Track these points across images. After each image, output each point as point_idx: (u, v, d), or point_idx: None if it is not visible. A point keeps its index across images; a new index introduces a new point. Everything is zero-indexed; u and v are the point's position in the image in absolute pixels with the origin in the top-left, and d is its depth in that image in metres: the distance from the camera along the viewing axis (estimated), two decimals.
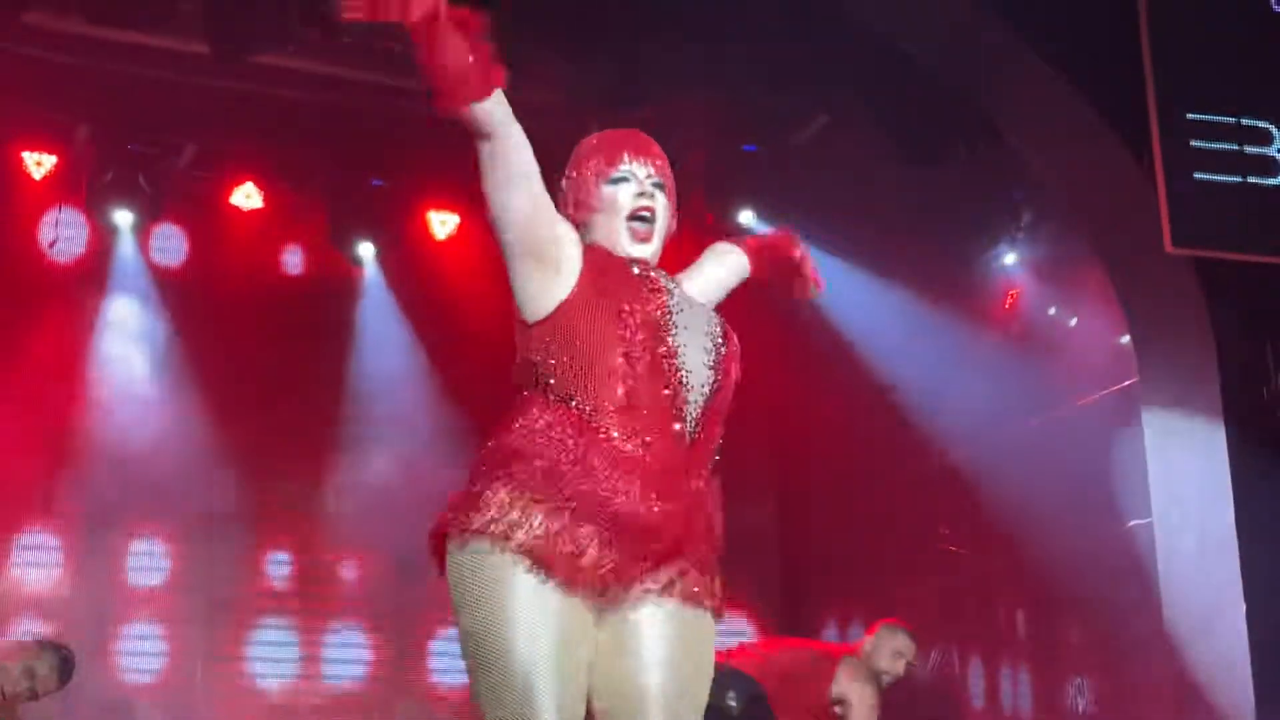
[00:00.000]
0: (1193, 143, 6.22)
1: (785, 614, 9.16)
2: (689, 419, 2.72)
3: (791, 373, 8.77)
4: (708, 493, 2.77)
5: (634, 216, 2.87)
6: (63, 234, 8.34)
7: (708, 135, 8.35)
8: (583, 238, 2.88)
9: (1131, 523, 7.03)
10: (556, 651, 2.54)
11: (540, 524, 2.57)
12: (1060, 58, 6.59)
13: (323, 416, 8.52)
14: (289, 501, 8.55)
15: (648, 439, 2.66)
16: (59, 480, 8.08)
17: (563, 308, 2.73)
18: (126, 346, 8.39)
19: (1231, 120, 6.28)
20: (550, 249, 2.76)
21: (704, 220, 8.57)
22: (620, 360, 2.68)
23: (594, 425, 2.64)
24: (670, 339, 2.73)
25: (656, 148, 2.99)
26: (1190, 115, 6.24)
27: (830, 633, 9.42)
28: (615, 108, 7.58)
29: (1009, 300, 8.46)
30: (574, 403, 2.67)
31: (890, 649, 6.20)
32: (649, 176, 2.91)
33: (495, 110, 2.72)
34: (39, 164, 8.00)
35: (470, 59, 2.62)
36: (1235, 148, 6.26)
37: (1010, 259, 8.29)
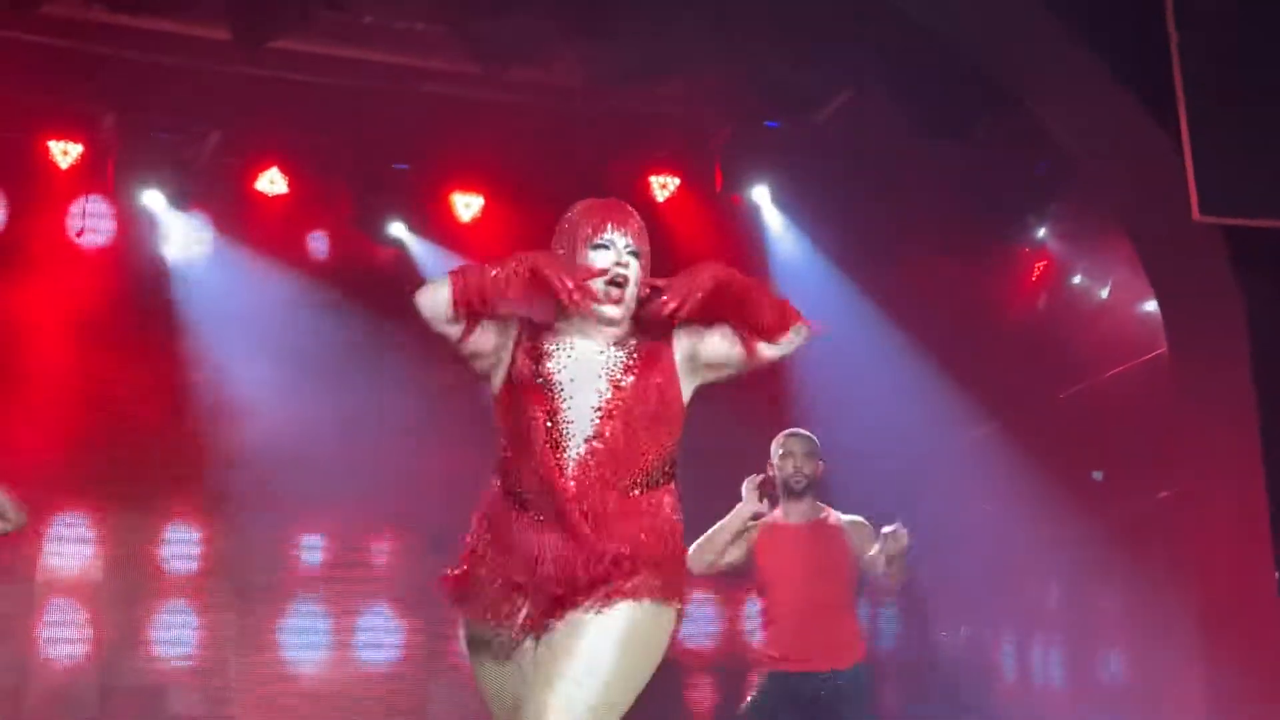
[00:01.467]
0: (1219, 109, 6.16)
1: None
2: (571, 464, 3.12)
3: (816, 346, 8.75)
4: (615, 525, 3.12)
5: (610, 282, 3.23)
6: (90, 222, 8.38)
7: (729, 112, 8.33)
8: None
9: (1161, 494, 7.01)
10: (496, 698, 3.23)
11: (468, 597, 3.23)
12: (1083, 26, 6.54)
13: (353, 399, 8.54)
14: (320, 485, 8.57)
15: (530, 495, 3.14)
16: (92, 466, 8.13)
17: (496, 397, 3.27)
18: (155, 333, 8.42)
19: (1258, 85, 6.23)
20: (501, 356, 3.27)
21: (727, 199, 8.56)
22: (518, 427, 3.18)
23: (503, 497, 3.20)
24: (553, 397, 3.16)
25: (635, 218, 3.36)
26: (1217, 81, 6.19)
27: (861, 609, 9.42)
28: (638, 85, 7.58)
29: (1036, 273, 8.44)
30: (495, 480, 3.23)
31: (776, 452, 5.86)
32: (626, 246, 3.28)
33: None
34: (65, 153, 8.03)
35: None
36: (1263, 113, 6.21)
37: (1037, 232, 8.25)
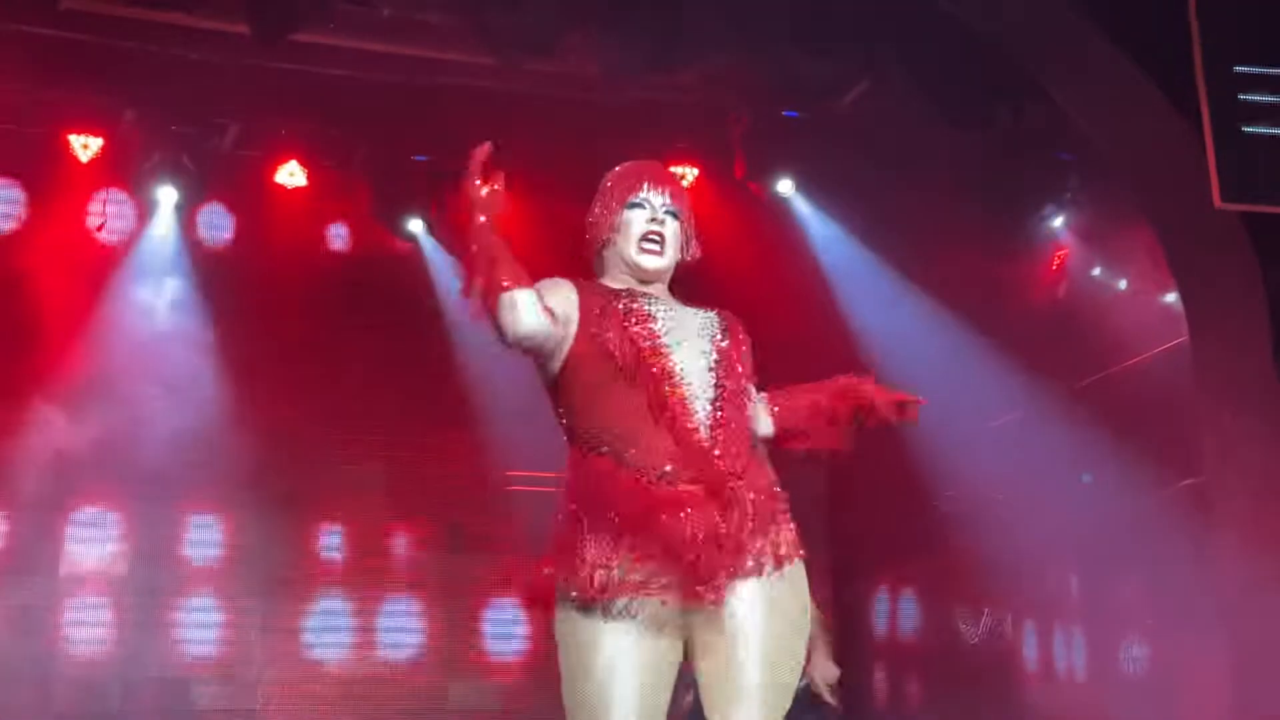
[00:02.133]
0: (1240, 96, 6.13)
1: (836, 585, 9.12)
2: (702, 428, 2.98)
3: (836, 340, 8.74)
4: (753, 476, 3.00)
5: (644, 238, 3.20)
6: (111, 216, 8.42)
7: (749, 102, 8.32)
8: (602, 260, 3.25)
9: (1183, 482, 6.98)
10: (639, 690, 2.89)
11: (612, 578, 2.89)
12: (1104, 14, 6.52)
13: (373, 390, 8.57)
14: (342, 476, 8.61)
15: (670, 465, 2.93)
16: (115, 459, 8.16)
17: (568, 359, 3.05)
18: (177, 326, 8.46)
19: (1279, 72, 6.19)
20: (560, 313, 3.05)
21: (746, 188, 8.55)
22: (624, 396, 2.99)
23: (625, 467, 2.94)
24: (666, 360, 3.02)
25: (674, 179, 3.37)
26: (1238, 68, 6.16)
27: (883, 602, 9.43)
28: (657, 75, 7.57)
29: (1057, 261, 8.41)
30: (603, 448, 2.98)
31: None
32: (663, 205, 3.25)
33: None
34: (85, 147, 8.06)
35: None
36: None
37: (1057, 221, 8.23)
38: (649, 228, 3.21)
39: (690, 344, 3.08)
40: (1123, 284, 7.87)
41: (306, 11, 7.07)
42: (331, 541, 8.81)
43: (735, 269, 7.04)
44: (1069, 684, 8.06)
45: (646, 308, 3.10)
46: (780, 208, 8.70)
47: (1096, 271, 8.04)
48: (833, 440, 3.28)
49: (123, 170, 8.21)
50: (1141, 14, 6.44)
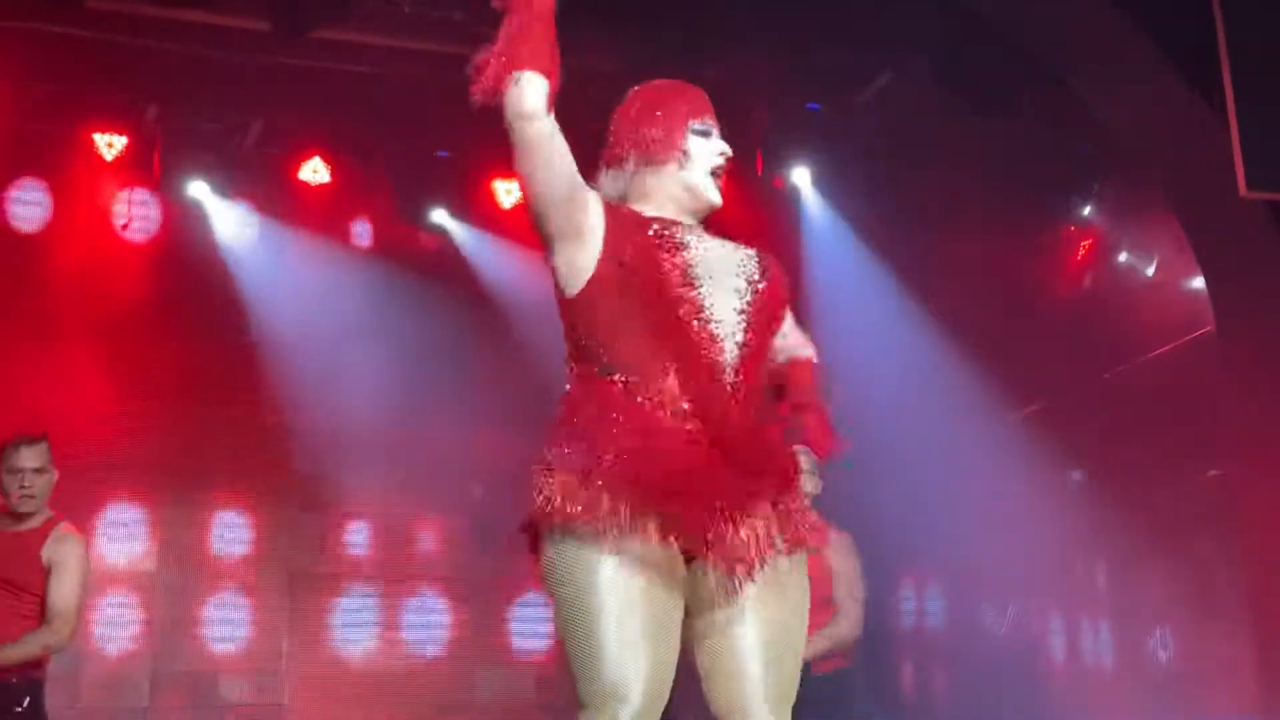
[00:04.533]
0: (1266, 83, 6.09)
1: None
2: (727, 368, 2.76)
3: (856, 331, 8.73)
4: (764, 430, 2.82)
5: (715, 172, 2.96)
6: (135, 214, 8.46)
7: (770, 94, 8.30)
8: (640, 180, 2.96)
9: (1211, 472, 6.95)
10: (644, 631, 2.64)
11: (613, 509, 2.65)
12: (1127, 1, 6.48)
13: (399, 384, 8.58)
14: (368, 471, 8.63)
15: (687, 402, 2.72)
16: (143, 455, 8.20)
17: (591, 281, 2.81)
18: (203, 323, 8.48)
19: None
20: (578, 217, 2.83)
21: (769, 181, 8.54)
22: (648, 326, 2.76)
23: (637, 397, 2.72)
24: (695, 295, 2.78)
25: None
26: (1262, 54, 6.12)
27: (908, 597, 9.40)
28: (678, 68, 7.55)
29: (1082, 251, 8.38)
30: (616, 375, 2.75)
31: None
32: (719, 136, 3.02)
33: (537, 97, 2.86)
34: (110, 145, 8.08)
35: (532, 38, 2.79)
36: None
37: (1082, 210, 8.20)
38: (720, 160, 2.96)
39: (723, 280, 2.83)
40: (1149, 272, 7.84)
41: (328, 8, 7.10)
42: (358, 536, 8.84)
43: None
44: (1095, 675, 8.03)
45: (680, 237, 2.85)
46: (801, 200, 8.68)
47: (1122, 261, 8.01)
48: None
49: (147, 168, 8.23)
50: (1166, 2, 6.41)
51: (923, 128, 8.12)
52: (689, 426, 2.71)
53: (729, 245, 2.94)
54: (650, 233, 2.84)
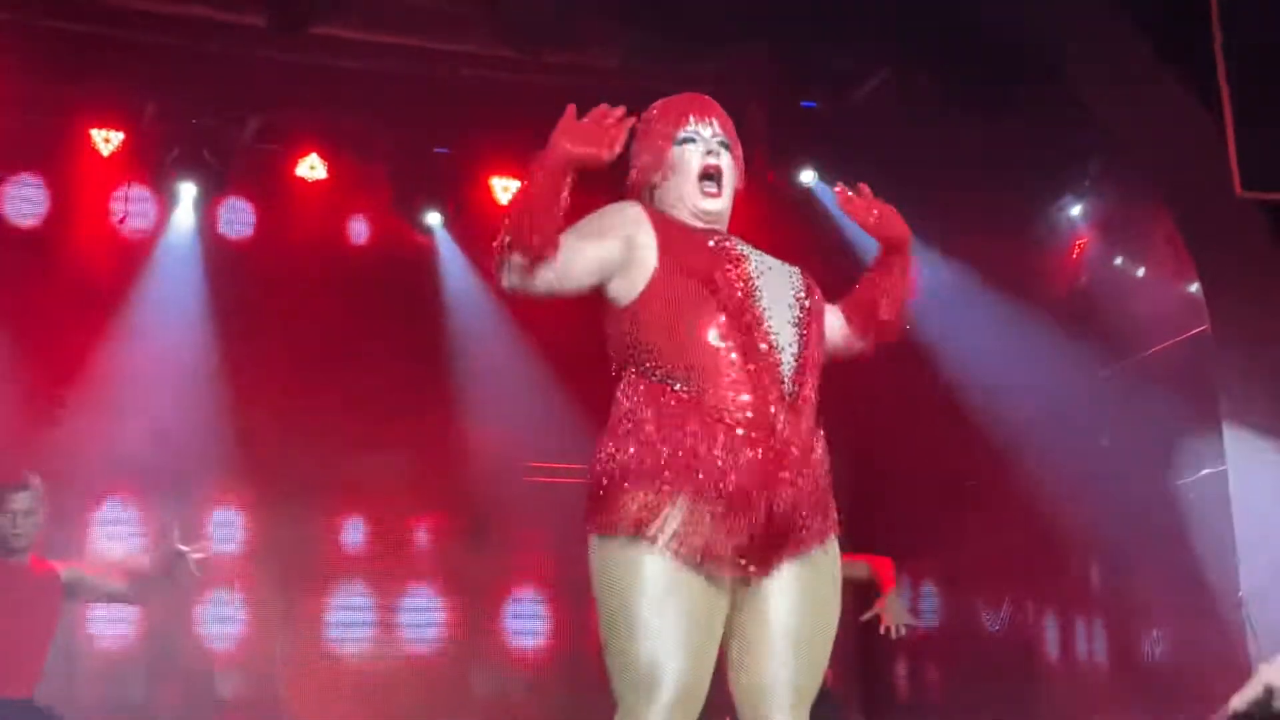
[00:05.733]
0: (1262, 84, 6.10)
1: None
2: (786, 381, 2.82)
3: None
4: (817, 449, 2.89)
5: (703, 175, 3.00)
6: (132, 210, 8.45)
7: (767, 93, 8.30)
8: (652, 201, 3.02)
9: (1204, 471, 6.97)
10: (684, 631, 2.71)
11: (669, 518, 2.73)
12: (1124, 1, 6.49)
13: (394, 383, 8.59)
14: (363, 468, 8.63)
15: (749, 413, 2.77)
16: (137, 451, 8.20)
17: (649, 289, 2.84)
18: (199, 319, 8.48)
19: None
20: (631, 255, 2.87)
21: (765, 179, 8.54)
22: (711, 336, 2.80)
23: (698, 406, 2.77)
24: (756, 306, 2.84)
25: (719, 108, 3.12)
26: (1259, 55, 6.13)
27: (903, 588, 9.39)
28: (674, 66, 7.57)
29: (1076, 250, 8.38)
30: (676, 385, 2.80)
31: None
32: (714, 136, 3.04)
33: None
34: (107, 140, 8.09)
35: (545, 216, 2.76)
36: None
37: (1076, 209, 8.20)
38: (707, 162, 3.00)
39: (778, 295, 2.91)
40: (1142, 273, 7.85)
41: (325, 4, 7.10)
42: (353, 533, 8.84)
43: None
44: (1090, 673, 8.05)
45: (739, 249, 2.92)
46: (802, 198, 8.69)
47: (1117, 261, 8.02)
48: (894, 307, 3.19)
49: (144, 164, 8.24)
50: (1162, 2, 6.42)
51: (918, 126, 8.12)
52: (753, 435, 2.76)
53: (774, 259, 3.01)
54: (711, 244, 2.90)
